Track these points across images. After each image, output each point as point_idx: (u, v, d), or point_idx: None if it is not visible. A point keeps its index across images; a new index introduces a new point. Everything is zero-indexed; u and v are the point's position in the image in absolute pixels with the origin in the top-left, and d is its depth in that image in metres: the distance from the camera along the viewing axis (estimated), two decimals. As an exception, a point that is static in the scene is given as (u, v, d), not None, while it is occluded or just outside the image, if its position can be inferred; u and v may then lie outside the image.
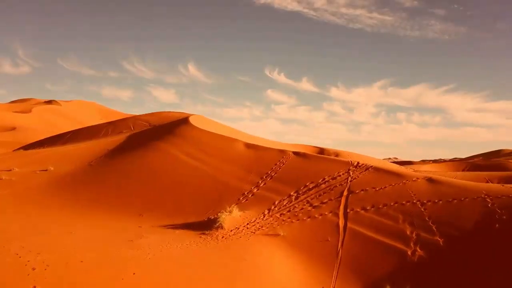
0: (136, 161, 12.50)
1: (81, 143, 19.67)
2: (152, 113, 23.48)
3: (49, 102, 76.04)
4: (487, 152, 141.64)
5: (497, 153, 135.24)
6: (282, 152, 11.33)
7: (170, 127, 15.84)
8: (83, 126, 66.89)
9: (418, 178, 8.36)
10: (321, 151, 24.78)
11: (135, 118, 22.73)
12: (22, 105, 76.21)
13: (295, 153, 11.13)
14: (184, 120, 16.88)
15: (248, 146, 12.29)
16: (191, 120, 16.71)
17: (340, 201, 8.01)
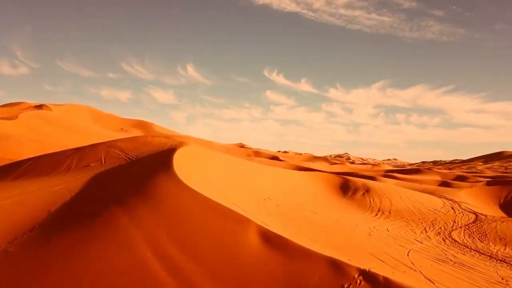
0: (75, 262, 6.97)
1: (29, 183, 14.05)
2: (132, 138, 17.84)
3: (39, 106, 70.01)
4: (488, 154, 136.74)
5: (498, 155, 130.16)
6: (337, 268, 5.74)
7: (145, 177, 10.30)
8: (73, 134, 61.00)
9: None
10: (346, 181, 19.21)
11: (109, 144, 17.08)
12: (11, 109, 70.24)
13: (365, 275, 5.50)
14: (166, 162, 11.32)
15: (267, 239, 6.71)
16: (176, 163, 11.13)
17: None
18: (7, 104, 77.65)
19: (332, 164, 72.57)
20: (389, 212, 15.23)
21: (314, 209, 13.17)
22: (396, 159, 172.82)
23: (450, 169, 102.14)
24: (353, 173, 56.30)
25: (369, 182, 19.53)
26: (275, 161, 61.24)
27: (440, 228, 13.39)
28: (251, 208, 10.29)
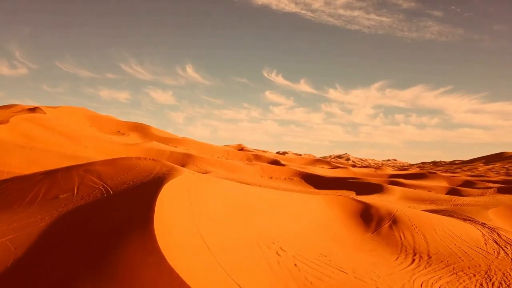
0: None
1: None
2: (113, 161, 14.65)
3: (33, 109, 66.44)
4: (488, 155, 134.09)
5: (499, 156, 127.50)
6: None
7: (114, 239, 7.15)
8: (67, 138, 57.48)
9: None
10: (366, 208, 16.11)
11: (86, 169, 13.90)
12: (3, 113, 66.75)
13: None
14: (146, 212, 8.17)
15: None
16: (160, 212, 8.00)
17: None
18: (1, 106, 74.24)
19: (334, 167, 69.48)
20: (428, 256, 12.11)
21: (340, 261, 10.05)
22: (395, 160, 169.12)
23: (452, 171, 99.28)
24: (358, 178, 53.26)
25: (393, 208, 16.40)
26: (277, 166, 58.19)
27: (500, 283, 10.29)
28: (262, 279, 7.19)
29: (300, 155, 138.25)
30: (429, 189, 48.52)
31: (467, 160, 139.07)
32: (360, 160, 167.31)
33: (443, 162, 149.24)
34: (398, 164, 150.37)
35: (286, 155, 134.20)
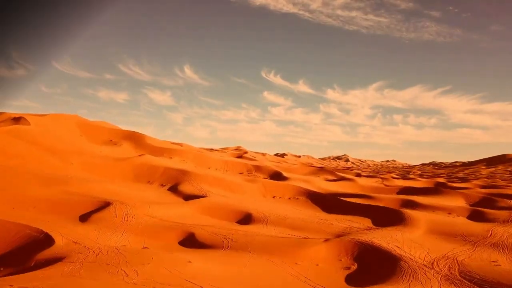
0: None
1: None
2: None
3: (17, 119, 59.32)
4: (490, 157, 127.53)
5: (501, 158, 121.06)
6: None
7: None
8: (50, 154, 49.77)
9: None
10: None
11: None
12: (-15, 123, 59.65)
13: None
14: None
15: None
16: None
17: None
18: (-15, 115, 66.88)
19: (339, 179, 63.03)
20: None
21: None
22: (395, 161, 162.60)
23: (454, 174, 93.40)
24: (369, 197, 47.00)
25: None
26: (280, 182, 51.59)
27: None
28: None
29: (299, 156, 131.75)
30: (448, 210, 42.27)
31: (467, 162, 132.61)
32: (359, 161, 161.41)
33: (443, 163, 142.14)
34: (398, 166, 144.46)
35: (285, 156, 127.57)
